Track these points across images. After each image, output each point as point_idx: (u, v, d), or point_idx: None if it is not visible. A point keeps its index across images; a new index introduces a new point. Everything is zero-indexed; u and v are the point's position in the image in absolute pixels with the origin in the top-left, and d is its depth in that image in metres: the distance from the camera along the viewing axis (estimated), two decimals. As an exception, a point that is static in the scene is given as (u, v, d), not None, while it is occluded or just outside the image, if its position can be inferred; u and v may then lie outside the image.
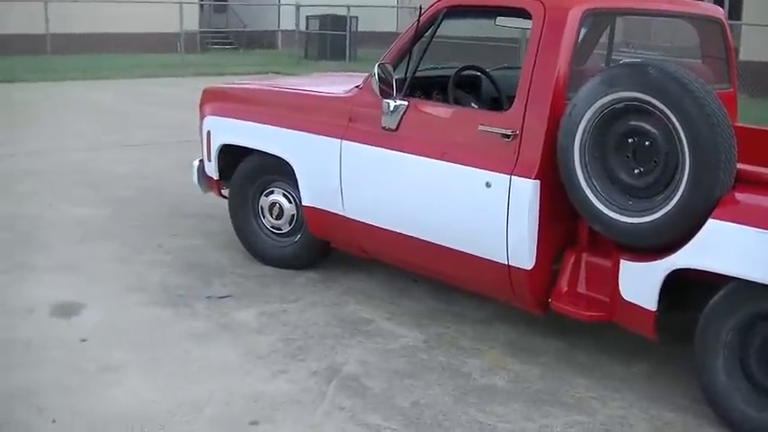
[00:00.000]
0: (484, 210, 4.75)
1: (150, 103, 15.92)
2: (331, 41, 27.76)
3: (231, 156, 6.32)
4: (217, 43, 31.59)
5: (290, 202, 6.06)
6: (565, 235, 4.74)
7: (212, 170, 6.45)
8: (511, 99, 5.13)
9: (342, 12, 26.98)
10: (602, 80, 4.26)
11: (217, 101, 6.51)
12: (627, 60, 4.89)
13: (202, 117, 6.54)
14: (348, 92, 5.56)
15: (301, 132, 5.66)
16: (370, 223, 5.38)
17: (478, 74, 5.86)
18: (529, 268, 4.65)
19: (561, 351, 5.02)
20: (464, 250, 4.92)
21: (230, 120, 6.23)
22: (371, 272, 6.13)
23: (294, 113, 5.78)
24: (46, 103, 15.42)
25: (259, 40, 31.74)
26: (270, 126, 5.87)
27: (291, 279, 6.01)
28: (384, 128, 5.19)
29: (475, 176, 4.75)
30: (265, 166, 6.10)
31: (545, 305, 4.78)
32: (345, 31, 26.59)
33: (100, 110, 14.80)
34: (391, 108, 5.13)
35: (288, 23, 30.04)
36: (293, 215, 6.07)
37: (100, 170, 9.54)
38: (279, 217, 6.11)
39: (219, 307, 5.45)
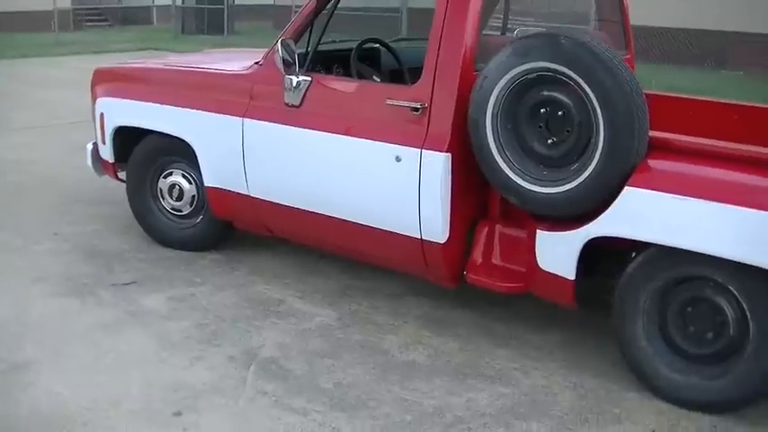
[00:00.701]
0: (394, 184, 4.71)
1: (28, 83, 15.36)
2: (208, 15, 27.26)
3: (126, 137, 6.13)
4: (91, 20, 30.68)
5: (189, 182, 5.91)
6: (477, 207, 4.76)
7: (107, 153, 6.24)
8: (413, 71, 5.12)
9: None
10: (513, 51, 4.25)
11: (109, 81, 6.30)
12: (538, 30, 4.88)
13: (94, 99, 6.32)
14: (248, 69, 5.44)
15: (201, 111, 5.52)
16: (276, 202, 5.30)
17: (378, 46, 5.79)
18: (442, 242, 4.63)
19: (476, 322, 5.04)
20: (375, 226, 4.88)
21: (124, 101, 6.03)
22: (276, 251, 6.05)
23: (193, 92, 5.63)
24: None
25: (134, 17, 31.02)
26: (167, 106, 5.71)
27: (195, 261, 5.88)
28: (287, 104, 5.10)
29: (384, 151, 4.70)
30: (163, 147, 5.94)
31: (459, 278, 4.79)
32: (222, 4, 26.10)
33: (-26, 93, 14.21)
34: (294, 84, 5.04)
35: (163, -1, 29.46)
36: (194, 196, 5.94)
37: (-16, 157, 9.15)
38: (179, 198, 5.97)
39: (126, 294, 5.30)
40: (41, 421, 3.87)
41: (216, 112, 5.43)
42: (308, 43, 5.14)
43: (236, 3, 26.60)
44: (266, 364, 4.45)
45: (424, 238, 4.68)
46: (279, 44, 4.93)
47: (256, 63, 5.42)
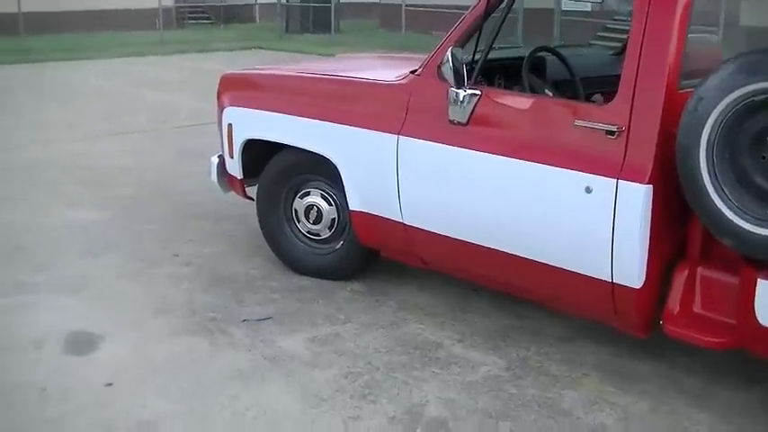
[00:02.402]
0: (582, 219, 4.01)
1: (136, 84, 15.04)
2: (313, 13, 26.85)
3: (258, 152, 5.51)
4: (193, 18, 30.55)
5: (329, 204, 5.28)
6: (675, 246, 4.03)
7: (235, 168, 5.64)
8: (588, 83, 4.66)
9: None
10: (738, 68, 3.51)
11: (239, 89, 5.71)
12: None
13: (221, 108, 5.73)
14: (402, 78, 4.78)
15: (348, 126, 4.87)
16: (434, 231, 4.63)
17: (545, 54, 5.07)
18: (638, 287, 3.92)
19: (665, 375, 4.32)
20: (555, 264, 4.18)
21: (257, 111, 5.43)
22: (422, 282, 5.40)
23: (337, 104, 4.99)
24: (23, 88, 14.48)
25: (237, 14, 30.77)
26: (307, 119, 5.08)
27: (334, 293, 5.25)
28: (452, 121, 4.41)
29: (571, 180, 4.00)
30: (301, 165, 5.32)
31: (652, 327, 4.05)
32: (328, 2, 25.63)
33: (84, 93, 13.93)
34: (461, 98, 4.34)
35: (266, -4, 29.17)
36: (334, 219, 5.30)
37: (95, 164, 8.70)
38: (317, 221, 5.33)
39: (260, 332, 4.69)
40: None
41: (366, 128, 4.79)
42: (474, 51, 4.45)
43: (341, 1, 25.96)
44: (434, 428, 3.78)
45: (615, 281, 3.97)
46: (450, 53, 4.24)
47: (412, 72, 4.75)
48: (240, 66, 7.36)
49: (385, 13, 28.69)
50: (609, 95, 4.05)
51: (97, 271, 5.56)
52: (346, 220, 5.20)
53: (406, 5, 22.41)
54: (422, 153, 4.55)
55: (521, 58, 4.78)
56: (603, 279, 4.00)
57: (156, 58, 19.68)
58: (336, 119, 4.92)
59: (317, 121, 5.02)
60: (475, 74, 4.35)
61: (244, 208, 6.50)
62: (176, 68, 17.48)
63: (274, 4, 27.53)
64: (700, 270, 3.96)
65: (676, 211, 3.88)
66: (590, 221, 3.96)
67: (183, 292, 5.21)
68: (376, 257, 5.31)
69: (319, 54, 20.21)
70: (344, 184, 4.95)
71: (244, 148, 5.55)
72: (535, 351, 4.56)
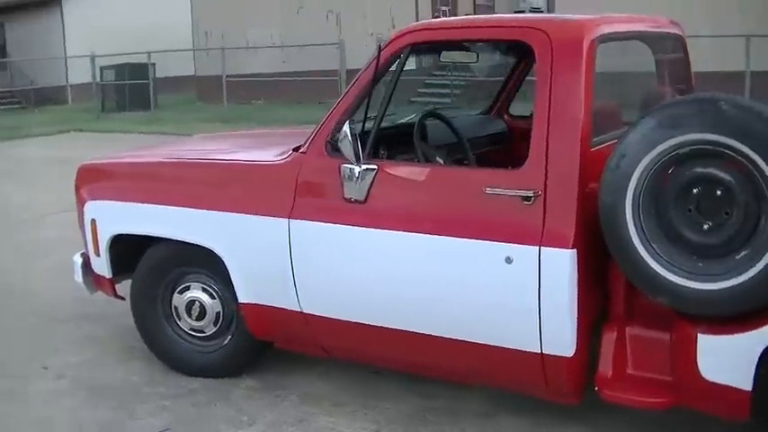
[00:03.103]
0: (505, 291, 3.83)
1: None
2: (129, 91, 26.15)
3: (127, 246, 5.09)
4: (2, 103, 29.28)
5: (212, 297, 4.89)
6: (597, 307, 3.88)
7: (103, 267, 5.20)
8: (476, 144, 4.73)
9: (137, 59, 25.48)
10: (659, 122, 3.43)
11: (100, 180, 5.30)
12: (689, 95, 4.04)
13: (82, 202, 5.29)
14: (286, 157, 4.49)
15: (230, 213, 4.54)
16: (338, 318, 4.34)
17: (436, 120, 4.90)
18: (569, 355, 3.76)
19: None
20: (477, 341, 3.97)
21: (123, 203, 5.02)
22: (319, 369, 5.08)
23: (215, 190, 4.66)
24: None
25: (48, 97, 29.70)
26: (182, 208, 4.71)
27: (229, 392, 4.86)
28: (348, 199, 4.15)
29: (489, 251, 3.82)
30: (177, 257, 4.94)
31: (583, 392, 3.89)
32: (144, 79, 25.06)
33: None
34: (356, 174, 4.09)
35: (77, 77, 28.28)
36: (218, 313, 4.91)
37: None
38: (200, 317, 4.94)
39: (162, 447, 4.24)
40: None
41: (250, 214, 4.47)
42: (364, 122, 4.22)
43: (156, 76, 25.43)
44: None
45: (545, 352, 3.80)
46: (347, 128, 3.98)
47: (295, 150, 4.48)
48: (62, 149, 6.89)
49: (201, 85, 28.27)
50: (513, 159, 3.90)
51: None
52: (233, 313, 4.83)
53: (228, 77, 22.08)
54: (317, 236, 4.27)
55: (403, 126, 4.58)
56: (532, 351, 3.83)
57: (-31, 147, 18.59)
58: (216, 206, 4.59)
59: (194, 209, 4.67)
60: (368, 147, 4.12)
61: (105, 307, 6.05)
62: (-3, 157, 16.57)
63: (87, 84, 26.71)
64: (627, 330, 3.86)
65: (598, 272, 3.77)
66: (513, 293, 3.79)
67: (65, 412, 4.72)
68: (266, 349, 4.94)
69: (141, 133, 19.68)
70: (231, 275, 4.60)
71: (111, 244, 5.10)
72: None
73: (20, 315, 6.38)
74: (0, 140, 19.27)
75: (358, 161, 4.06)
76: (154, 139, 17.81)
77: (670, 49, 4.96)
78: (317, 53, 21.88)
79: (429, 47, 4.39)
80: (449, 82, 22.09)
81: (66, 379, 5.15)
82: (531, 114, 5.58)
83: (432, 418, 4.46)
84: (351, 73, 19.00)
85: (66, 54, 29.90)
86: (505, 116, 5.81)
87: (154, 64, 24.92)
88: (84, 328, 6.03)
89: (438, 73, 23.51)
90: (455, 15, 25.32)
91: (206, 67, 26.79)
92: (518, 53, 5.60)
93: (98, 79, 25.78)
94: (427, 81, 22.71)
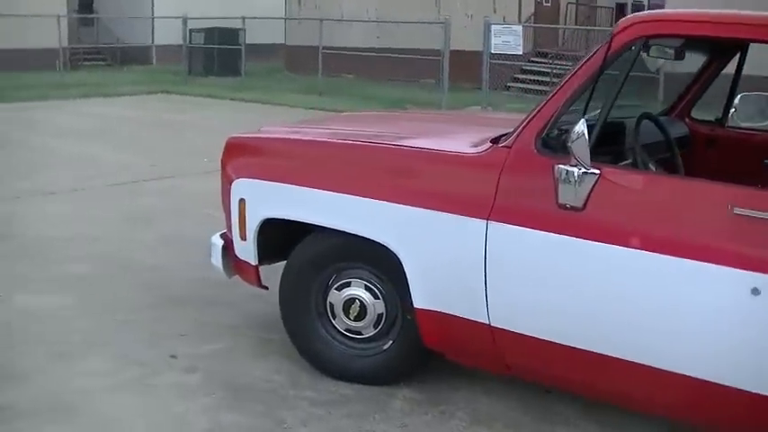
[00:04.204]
0: (748, 326, 3.29)
1: (45, 133, 13.79)
2: (218, 56, 25.83)
3: (277, 232, 4.59)
4: (89, 60, 29.14)
5: (376, 297, 4.38)
6: None
7: (249, 253, 4.71)
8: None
9: (227, 24, 25.10)
10: None
11: (254, 156, 4.79)
12: None
13: (228, 179, 4.79)
14: (486, 150, 3.95)
15: (415, 208, 4.01)
16: (533, 336, 3.79)
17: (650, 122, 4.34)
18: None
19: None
20: (706, 378, 3.43)
21: (280, 185, 4.51)
22: (475, 381, 4.57)
23: (399, 179, 4.15)
24: None
25: (133, 56, 29.51)
26: (356, 197, 4.19)
27: (386, 403, 4.37)
28: (562, 205, 3.59)
29: (733, 280, 3.27)
30: (340, 250, 4.44)
31: None
32: (234, 44, 24.71)
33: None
34: (576, 177, 3.53)
35: (163, 38, 28.03)
36: (381, 314, 4.40)
37: (26, 233, 7.53)
38: (359, 317, 4.43)
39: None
40: None
41: (440, 210, 3.93)
42: (584, 118, 3.66)
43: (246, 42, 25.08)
44: None
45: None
46: (583, 125, 3.44)
47: (494, 141, 3.94)
48: (151, 111, 6.42)
49: (290, 54, 27.87)
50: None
51: (84, 382, 4.53)
52: (397, 315, 4.32)
53: (324, 48, 21.61)
54: (521, 242, 3.73)
55: (612, 124, 4.02)
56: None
57: (57, 102, 18.35)
58: (398, 198, 4.06)
59: (370, 199, 4.15)
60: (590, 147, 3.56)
61: (226, 290, 5.62)
62: (85, 115, 16.28)
63: (172, 45, 26.47)
64: None
65: None
66: (758, 328, 3.25)
67: (202, 412, 4.25)
68: (432, 357, 4.44)
69: (231, 99, 19.32)
70: (408, 276, 4.09)
71: (261, 228, 4.61)
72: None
73: (136, 293, 5.93)
74: (86, 97, 18.99)
75: (570, 161, 3.52)
76: (244, 107, 17.51)
77: None
78: (413, 31, 21.30)
79: (667, 40, 3.78)
80: (548, 70, 21.35)
81: (199, 372, 4.68)
82: (717, 120, 5.12)
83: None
84: (454, 54, 18.53)
85: (153, 14, 29.61)
86: (687, 120, 5.24)
87: (244, 30, 24.46)
88: (208, 313, 5.56)
89: (536, 60, 22.82)
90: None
91: (297, 37, 26.37)
92: (713, 53, 5.03)
93: (187, 42, 25.43)
94: (525, 67, 22.03)
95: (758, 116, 4.92)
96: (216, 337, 5.17)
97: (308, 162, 4.50)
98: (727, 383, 3.38)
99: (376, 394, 4.43)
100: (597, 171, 3.54)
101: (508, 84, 21.45)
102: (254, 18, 24.04)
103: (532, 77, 21.89)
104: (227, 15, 24.71)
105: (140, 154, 11.67)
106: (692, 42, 4.05)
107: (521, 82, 21.99)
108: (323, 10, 24.71)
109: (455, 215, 3.88)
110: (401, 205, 4.04)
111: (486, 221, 3.78)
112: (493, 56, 18.03)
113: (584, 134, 3.40)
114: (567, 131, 3.59)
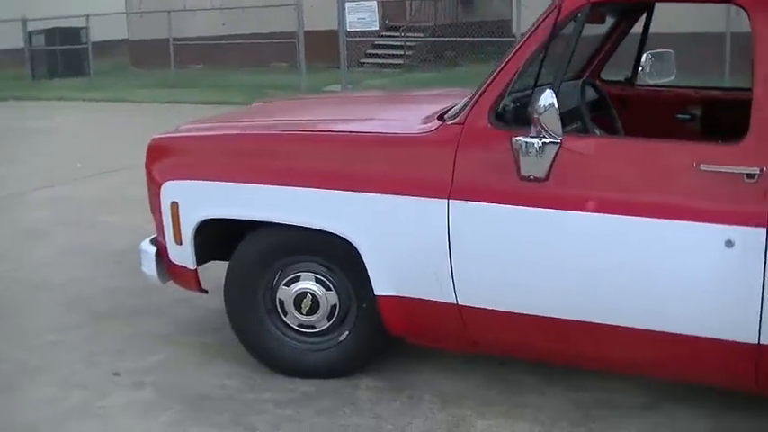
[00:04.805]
0: (722, 278, 3.38)
1: None
2: (61, 56, 24.92)
3: (215, 232, 4.47)
4: None
5: (328, 288, 4.31)
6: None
7: (186, 257, 4.56)
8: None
9: (72, 24, 24.26)
10: None
11: (182, 157, 4.63)
12: None
13: (156, 184, 4.61)
14: (435, 128, 3.92)
15: (369, 194, 3.96)
16: (505, 311, 3.80)
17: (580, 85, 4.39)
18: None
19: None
20: (677, 332, 3.53)
21: (215, 184, 4.38)
22: (430, 362, 4.56)
23: (347, 167, 4.07)
24: None
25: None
26: (304, 189, 4.10)
27: (352, 395, 4.30)
28: (525, 177, 3.60)
29: (706, 234, 3.36)
30: (286, 245, 4.33)
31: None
32: (77, 43, 23.90)
33: None
34: (536, 148, 3.54)
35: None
36: (334, 305, 4.32)
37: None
38: (312, 311, 4.35)
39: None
40: None
41: (397, 194, 3.89)
42: (535, 86, 3.67)
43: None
44: None
45: (762, 342, 3.37)
46: (551, 96, 3.43)
47: (441, 118, 3.92)
48: (6, 119, 6.13)
49: (135, 50, 27.14)
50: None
51: (31, 414, 4.29)
52: (350, 305, 4.27)
53: (174, 40, 21.13)
54: (485, 219, 3.73)
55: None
56: (747, 342, 3.40)
57: None
58: (350, 186, 4.00)
59: (319, 190, 4.07)
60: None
61: (152, 296, 5.55)
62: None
63: (10, 50, 25.41)
64: None
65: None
66: (731, 279, 3.34)
67: (167, 429, 4.09)
68: (391, 344, 4.40)
69: (83, 100, 18.77)
70: (367, 264, 4.03)
71: (197, 231, 4.47)
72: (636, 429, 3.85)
73: (55, 311, 5.67)
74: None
75: (530, 132, 3.52)
76: (98, 107, 17.02)
77: None
78: (261, 15, 21.04)
79: (612, 5, 3.81)
80: (401, 43, 21.47)
81: (148, 387, 4.51)
82: (625, 80, 5.22)
83: (597, 413, 3.99)
84: (307, 35, 18.42)
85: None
86: (597, 81, 5.33)
87: (87, 28, 23.66)
88: (137, 324, 5.37)
89: (387, 34, 22.90)
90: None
91: (140, 31, 25.69)
92: (621, 14, 5.11)
93: (28, 44, 24.47)
94: (377, 42, 22.09)
95: (665, 73, 5.05)
96: (153, 348, 4.99)
97: (245, 157, 4.39)
98: (706, 335, 3.45)
99: (338, 387, 4.36)
100: (558, 140, 3.54)
101: (362, 60, 21.47)
102: (98, 15, 23.25)
103: (385, 51, 21.98)
104: (70, 14, 23.78)
105: (8, 166, 11.17)
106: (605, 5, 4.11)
107: (375, 57, 22.04)
108: (164, 2, 24.08)
109: (414, 198, 3.84)
110: (354, 192, 3.98)
111: (446, 200, 3.76)
112: (348, 33, 17.98)
113: (553, 105, 3.40)
114: (523, 103, 3.58)
